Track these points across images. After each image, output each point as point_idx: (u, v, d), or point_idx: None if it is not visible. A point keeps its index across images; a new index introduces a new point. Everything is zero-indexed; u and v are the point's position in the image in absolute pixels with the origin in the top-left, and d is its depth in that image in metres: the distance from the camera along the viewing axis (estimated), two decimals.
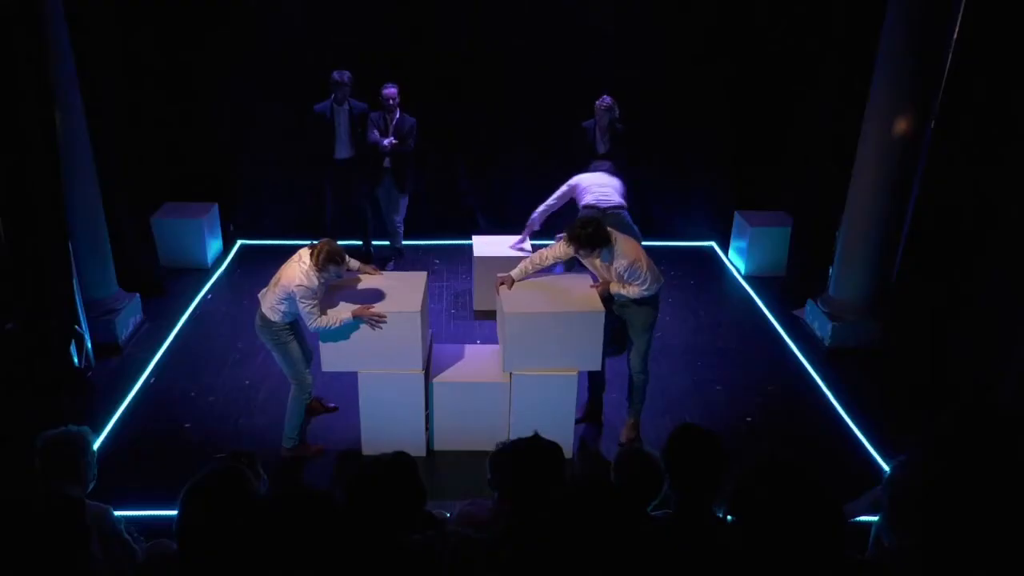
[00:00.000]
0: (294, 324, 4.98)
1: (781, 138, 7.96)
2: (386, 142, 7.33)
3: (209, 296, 7.51)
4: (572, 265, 5.27)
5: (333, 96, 7.44)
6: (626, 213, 6.51)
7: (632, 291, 4.96)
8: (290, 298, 4.73)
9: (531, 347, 4.96)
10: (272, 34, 7.97)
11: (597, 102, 7.24)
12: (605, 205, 6.41)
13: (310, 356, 5.19)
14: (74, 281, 5.81)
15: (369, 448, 5.15)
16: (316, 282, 4.71)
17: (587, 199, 6.49)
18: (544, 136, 8.39)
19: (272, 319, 4.86)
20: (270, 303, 4.84)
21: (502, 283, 5.19)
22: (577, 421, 5.58)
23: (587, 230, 4.83)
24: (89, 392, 5.86)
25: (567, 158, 7.60)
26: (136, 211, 7.17)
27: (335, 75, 7.31)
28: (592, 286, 5.12)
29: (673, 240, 8.58)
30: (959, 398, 5.34)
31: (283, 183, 8.41)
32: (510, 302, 5.00)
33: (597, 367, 5.15)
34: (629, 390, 5.42)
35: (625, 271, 4.88)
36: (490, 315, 6.92)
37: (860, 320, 6.56)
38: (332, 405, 5.67)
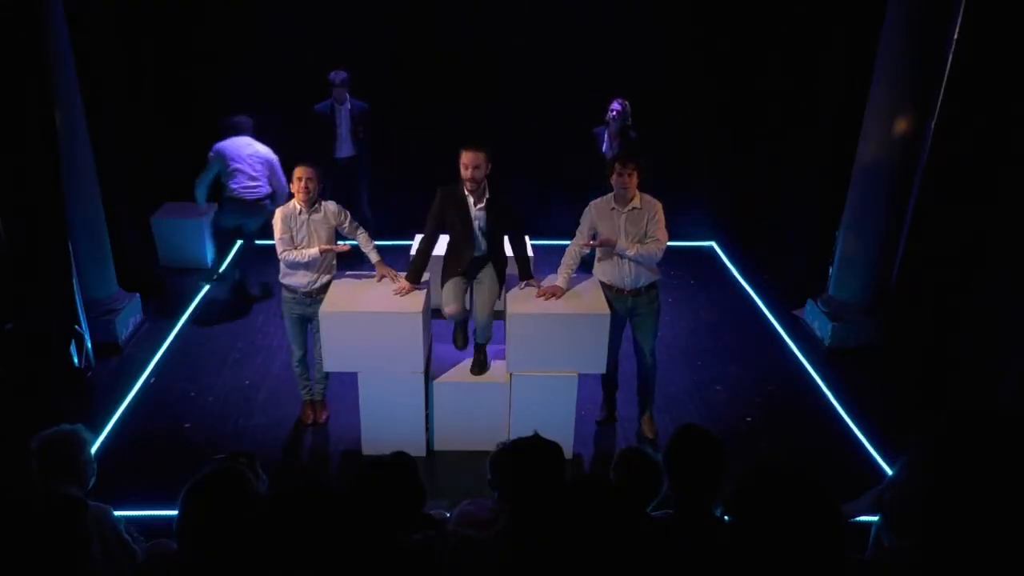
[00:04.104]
0: (302, 318, 5.24)
1: (782, 138, 7.96)
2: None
3: (209, 296, 7.51)
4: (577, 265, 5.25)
5: (333, 95, 7.47)
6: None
7: (645, 249, 4.88)
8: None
9: (534, 348, 4.96)
10: (272, 34, 7.97)
11: (609, 111, 7.17)
12: (252, 197, 6.66)
13: (303, 346, 5.40)
14: (74, 281, 5.81)
15: (369, 448, 5.15)
16: (293, 208, 5.02)
17: (232, 186, 6.64)
18: (545, 136, 8.40)
19: (281, 280, 5.19)
20: None
21: (553, 295, 5.04)
22: (598, 423, 5.59)
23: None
24: (89, 392, 5.87)
25: (578, 165, 7.61)
26: (136, 211, 7.17)
27: (330, 75, 7.36)
28: (592, 243, 5.03)
29: (673, 240, 8.55)
30: (959, 398, 5.34)
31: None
32: (514, 302, 5.00)
33: (602, 370, 5.15)
34: (640, 384, 5.45)
35: (654, 216, 4.90)
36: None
37: (860, 320, 6.56)
38: (325, 416, 5.62)
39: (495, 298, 5.07)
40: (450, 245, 5.09)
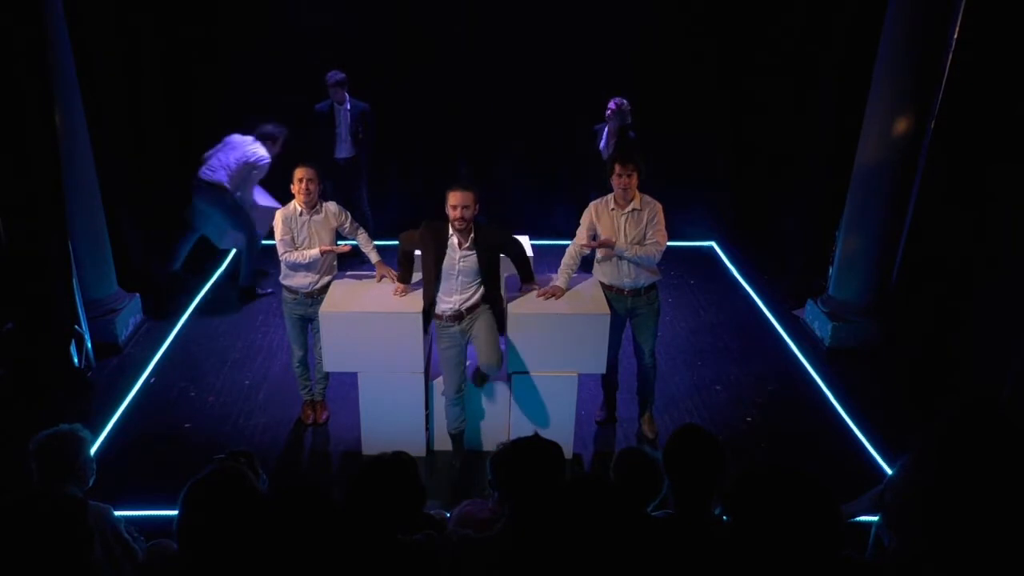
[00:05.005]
0: (303, 319, 5.26)
1: (781, 138, 7.97)
2: None
3: (209, 296, 7.51)
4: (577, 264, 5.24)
5: (332, 96, 7.49)
6: (226, 195, 6.92)
7: (644, 251, 4.88)
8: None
9: (534, 348, 4.96)
10: (273, 34, 7.97)
11: (607, 108, 7.18)
12: (205, 178, 6.88)
13: (304, 346, 5.39)
14: (74, 281, 5.81)
15: (369, 448, 5.15)
16: (293, 210, 5.07)
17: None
18: (544, 136, 8.40)
19: (282, 282, 5.21)
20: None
21: (553, 295, 5.02)
22: (598, 423, 5.60)
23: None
24: (89, 392, 5.86)
25: (578, 164, 7.59)
26: (136, 211, 7.17)
27: (327, 76, 7.40)
28: (592, 244, 5.01)
29: (673, 240, 8.56)
30: (959, 398, 5.34)
31: (283, 183, 8.39)
32: (514, 303, 5.00)
33: (602, 370, 5.15)
34: (640, 385, 5.46)
35: (654, 217, 4.90)
36: None
37: (860, 320, 6.56)
38: (325, 416, 5.61)
39: (496, 338, 4.79)
40: (424, 285, 4.83)
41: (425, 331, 4.92)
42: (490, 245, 4.74)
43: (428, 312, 4.84)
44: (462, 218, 4.58)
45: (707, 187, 8.63)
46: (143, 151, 7.37)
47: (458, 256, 4.68)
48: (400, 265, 5.10)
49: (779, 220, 8.12)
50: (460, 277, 4.72)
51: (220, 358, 6.39)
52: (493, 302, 4.84)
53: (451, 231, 4.67)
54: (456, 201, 4.57)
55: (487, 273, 4.75)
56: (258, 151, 6.95)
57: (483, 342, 4.78)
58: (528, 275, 5.13)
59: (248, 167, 6.95)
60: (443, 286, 4.75)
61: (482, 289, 4.78)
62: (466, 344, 4.86)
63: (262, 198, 7.35)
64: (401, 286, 5.06)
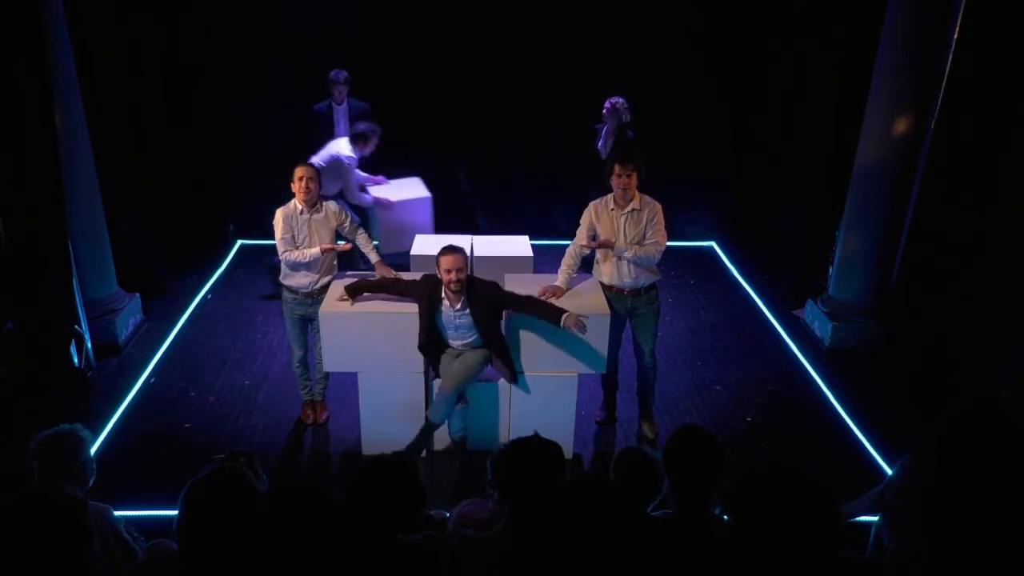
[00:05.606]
0: (303, 319, 5.26)
1: (782, 138, 7.96)
2: None
3: (209, 296, 7.52)
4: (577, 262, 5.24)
5: (332, 95, 7.49)
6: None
7: (643, 251, 4.90)
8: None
9: (534, 348, 4.96)
10: (273, 34, 7.97)
11: (604, 106, 7.19)
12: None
13: (304, 346, 5.39)
14: (74, 281, 5.81)
15: (369, 448, 5.15)
16: (294, 208, 5.10)
17: None
18: (544, 136, 8.40)
19: (282, 281, 5.22)
20: None
21: (553, 295, 5.00)
22: (598, 423, 5.60)
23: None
24: (89, 392, 5.86)
25: (575, 162, 7.58)
26: (136, 211, 7.17)
27: (331, 74, 7.39)
28: (591, 244, 5.02)
29: (673, 240, 8.55)
30: (959, 398, 5.34)
31: (283, 183, 8.39)
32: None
33: (602, 370, 5.15)
34: (640, 385, 5.46)
35: (653, 217, 4.91)
36: None
37: (860, 320, 6.56)
38: (325, 416, 5.61)
39: (469, 373, 4.77)
40: (419, 327, 4.82)
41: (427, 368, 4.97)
42: (486, 302, 4.72)
43: (421, 349, 4.85)
44: (457, 280, 4.58)
45: (707, 187, 8.64)
46: (143, 151, 7.36)
47: (452, 314, 4.74)
48: (362, 285, 4.99)
49: (779, 220, 8.12)
50: (459, 330, 4.80)
51: (220, 358, 6.39)
52: (492, 345, 4.82)
53: (443, 293, 4.69)
54: (450, 265, 4.56)
55: (483, 326, 4.75)
56: (337, 149, 6.80)
57: (450, 373, 4.77)
58: (556, 314, 4.73)
59: (336, 165, 6.76)
60: (447, 333, 4.84)
61: (483, 336, 4.80)
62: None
63: (387, 191, 7.28)
64: (342, 292, 4.97)
